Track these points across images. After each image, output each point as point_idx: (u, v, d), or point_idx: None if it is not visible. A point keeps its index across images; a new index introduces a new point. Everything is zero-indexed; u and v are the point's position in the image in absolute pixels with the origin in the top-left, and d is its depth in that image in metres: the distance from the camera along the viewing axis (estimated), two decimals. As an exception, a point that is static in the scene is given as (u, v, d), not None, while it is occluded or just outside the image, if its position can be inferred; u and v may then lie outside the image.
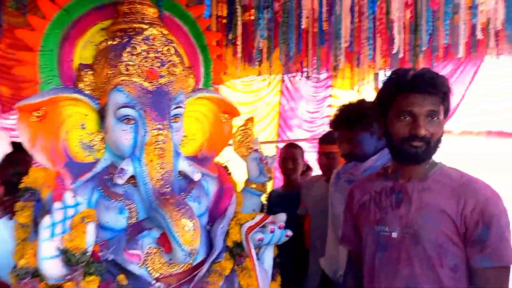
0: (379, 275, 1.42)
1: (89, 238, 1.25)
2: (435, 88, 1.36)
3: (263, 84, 3.86)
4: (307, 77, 3.02)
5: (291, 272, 2.68)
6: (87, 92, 1.50)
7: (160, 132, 1.46)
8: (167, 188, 1.44)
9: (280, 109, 4.60)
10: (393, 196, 1.44)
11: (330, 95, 4.83)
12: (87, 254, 1.24)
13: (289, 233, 1.59)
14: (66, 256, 1.21)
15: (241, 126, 2.06)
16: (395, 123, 1.40)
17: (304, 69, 3.01)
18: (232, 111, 1.88)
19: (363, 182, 1.64)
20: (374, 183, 1.55)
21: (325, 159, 2.57)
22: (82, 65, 1.52)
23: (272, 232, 1.53)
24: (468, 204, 1.30)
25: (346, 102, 2.22)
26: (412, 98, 1.36)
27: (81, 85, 1.50)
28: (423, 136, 1.34)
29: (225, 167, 1.94)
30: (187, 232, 1.29)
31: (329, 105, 4.86)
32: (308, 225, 2.69)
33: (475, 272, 1.32)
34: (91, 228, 1.26)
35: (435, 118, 1.37)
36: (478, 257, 1.29)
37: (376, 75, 3.59)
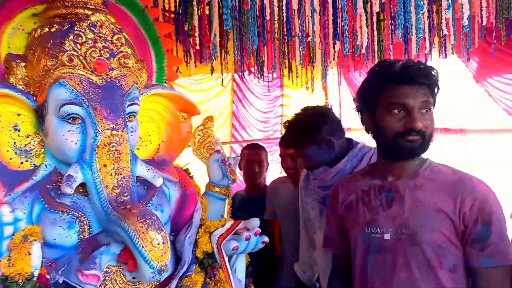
0: (373, 280, 1.32)
1: (34, 260, 1.03)
2: (427, 78, 1.28)
3: (214, 83, 3.69)
4: (260, 76, 2.92)
5: (262, 280, 2.56)
6: (19, 87, 1.26)
7: (114, 132, 1.26)
8: (126, 196, 1.25)
9: (233, 108, 4.46)
10: (383, 195, 1.34)
11: (282, 95, 4.77)
12: (33, 279, 1.02)
13: (266, 239, 1.46)
14: (6, 285, 0.97)
15: (200, 126, 1.91)
16: (386, 117, 1.30)
17: (254, 68, 2.92)
18: (190, 110, 1.72)
19: (347, 182, 1.53)
20: (360, 182, 1.45)
21: (291, 161, 2.48)
22: (12, 55, 1.27)
23: (247, 239, 1.40)
24: (466, 202, 1.24)
25: (290, 117, 2.14)
26: (404, 89, 1.27)
27: (11, 79, 1.26)
28: (419, 129, 1.26)
29: (186, 170, 1.78)
30: (156, 247, 1.11)
31: (281, 105, 4.81)
32: (277, 231, 2.58)
33: (476, 271, 1.25)
34: (36, 248, 1.04)
35: (428, 110, 1.30)
36: (480, 256, 1.22)
37: (324, 72, 3.61)
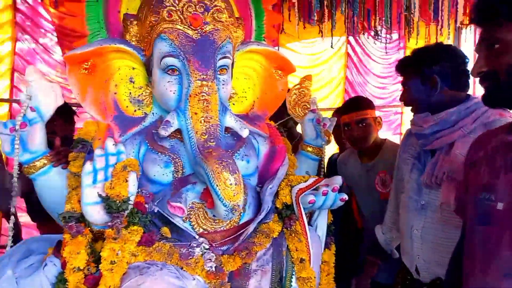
0: (474, 253, 1.13)
1: (130, 186, 1.22)
2: None
3: (325, 46, 3.54)
4: (376, 37, 2.72)
5: (345, 254, 2.52)
6: (132, 43, 1.46)
7: (204, 83, 1.37)
8: (212, 142, 1.36)
9: (347, 73, 4.24)
10: (510, 156, 1.10)
11: (404, 57, 4.32)
12: (129, 202, 1.22)
13: (344, 197, 1.43)
14: (107, 203, 1.19)
15: (296, 85, 1.92)
16: None
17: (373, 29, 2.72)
18: (286, 67, 1.73)
19: (483, 136, 1.28)
20: (495, 138, 1.19)
21: (357, 129, 2.26)
22: (128, 15, 1.47)
23: (324, 194, 1.39)
24: None
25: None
26: None
27: (127, 36, 1.46)
28: None
29: (278, 128, 1.82)
30: (229, 187, 1.20)
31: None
32: (354, 204, 2.48)
33: None
34: (133, 178, 1.23)
35: None
36: None
37: (458, 31, 3.11)
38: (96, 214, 1.21)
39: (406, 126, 5.08)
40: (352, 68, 4.23)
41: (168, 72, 1.40)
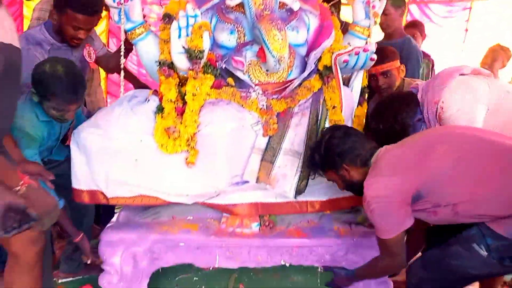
0: None
1: (204, 42, 1.64)
2: None
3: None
4: None
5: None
6: None
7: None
8: (267, 11, 1.71)
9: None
10: None
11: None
12: (203, 53, 1.65)
13: (374, 56, 1.72)
14: (188, 52, 1.64)
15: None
16: None
17: None
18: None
19: None
20: None
21: (382, 80, 2.24)
22: None
23: (356, 54, 1.70)
24: None
25: None
26: None
27: None
28: None
29: (330, 7, 2.07)
30: (276, 41, 1.57)
31: None
32: None
33: None
34: (206, 35, 1.65)
35: None
36: None
37: None
38: (181, 61, 1.67)
39: (474, 22, 4.85)
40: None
41: None
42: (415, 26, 3.45)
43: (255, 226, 1.79)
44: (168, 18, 1.88)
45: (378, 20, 2.12)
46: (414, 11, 4.89)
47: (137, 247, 1.73)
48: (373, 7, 2.03)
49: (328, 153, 1.51)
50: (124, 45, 1.89)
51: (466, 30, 4.95)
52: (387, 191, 1.37)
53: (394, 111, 1.70)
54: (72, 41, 2.09)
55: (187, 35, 1.65)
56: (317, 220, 1.84)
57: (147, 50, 1.89)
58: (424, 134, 1.61)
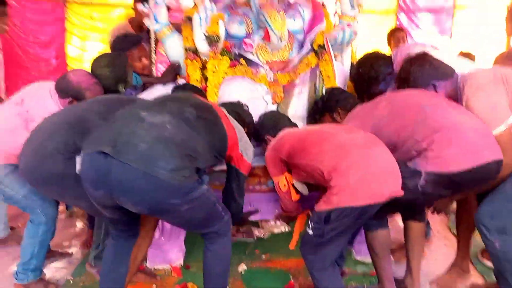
0: None
1: (221, 28, 2.07)
2: None
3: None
4: None
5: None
6: None
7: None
8: (269, 1, 2.13)
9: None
10: None
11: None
12: (220, 38, 2.07)
13: (355, 30, 2.11)
14: (208, 37, 2.06)
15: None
16: None
17: None
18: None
19: None
20: None
21: None
22: None
23: (342, 30, 2.10)
24: None
25: None
26: None
27: None
28: None
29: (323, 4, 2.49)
30: (277, 21, 1.99)
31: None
32: None
33: None
34: (221, 23, 2.08)
35: None
36: None
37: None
38: (202, 46, 2.09)
39: (457, 27, 5.33)
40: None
41: None
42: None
43: (270, 183, 2.14)
44: (188, 19, 2.33)
45: (362, 8, 2.53)
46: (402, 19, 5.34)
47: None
48: (357, -1, 2.45)
49: (330, 98, 1.93)
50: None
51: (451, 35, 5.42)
52: None
53: (372, 61, 2.05)
54: None
55: (206, 24, 2.08)
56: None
57: (173, 46, 2.31)
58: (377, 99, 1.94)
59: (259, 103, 2.09)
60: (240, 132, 1.62)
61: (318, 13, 2.36)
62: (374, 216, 1.61)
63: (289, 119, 1.99)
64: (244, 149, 1.62)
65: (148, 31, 2.42)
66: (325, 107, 1.94)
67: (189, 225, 1.53)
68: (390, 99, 1.74)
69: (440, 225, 2.73)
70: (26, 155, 1.61)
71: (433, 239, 2.51)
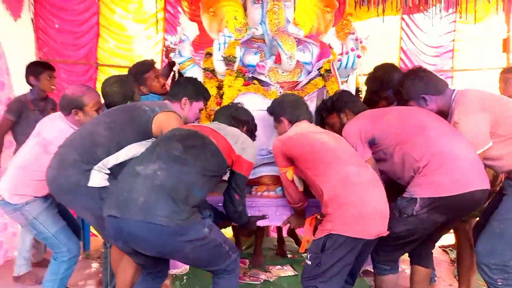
0: None
1: (237, 51, 2.32)
2: None
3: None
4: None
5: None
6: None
7: (275, 3, 2.45)
8: (283, 32, 2.40)
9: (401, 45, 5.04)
10: None
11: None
12: (237, 59, 2.31)
13: (359, 53, 2.31)
14: (226, 58, 2.30)
15: (341, 20, 2.88)
16: None
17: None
18: (331, 5, 2.73)
19: None
20: None
21: None
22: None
23: (347, 54, 2.31)
24: None
25: None
26: None
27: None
28: None
29: (329, 45, 2.77)
30: (287, 42, 2.23)
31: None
32: None
33: None
34: (238, 47, 2.33)
35: None
36: None
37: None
38: (219, 66, 2.32)
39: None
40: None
41: (255, 2, 2.50)
42: None
43: (278, 190, 2.16)
44: (208, 54, 2.60)
45: (366, 52, 2.80)
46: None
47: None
48: (361, 42, 2.72)
49: (339, 98, 2.06)
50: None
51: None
52: (353, 129, 1.88)
53: (388, 68, 2.28)
54: None
55: (225, 48, 2.33)
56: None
57: (194, 74, 2.55)
58: (387, 108, 2.10)
59: (269, 116, 2.22)
60: (233, 136, 1.74)
61: (325, 50, 2.62)
62: (387, 260, 1.82)
63: (307, 107, 2.08)
64: (242, 149, 1.73)
65: (170, 64, 2.74)
66: (333, 106, 2.05)
67: (198, 263, 1.70)
68: (399, 110, 1.92)
69: (445, 272, 2.73)
70: (51, 167, 1.79)
71: (438, 286, 2.50)
